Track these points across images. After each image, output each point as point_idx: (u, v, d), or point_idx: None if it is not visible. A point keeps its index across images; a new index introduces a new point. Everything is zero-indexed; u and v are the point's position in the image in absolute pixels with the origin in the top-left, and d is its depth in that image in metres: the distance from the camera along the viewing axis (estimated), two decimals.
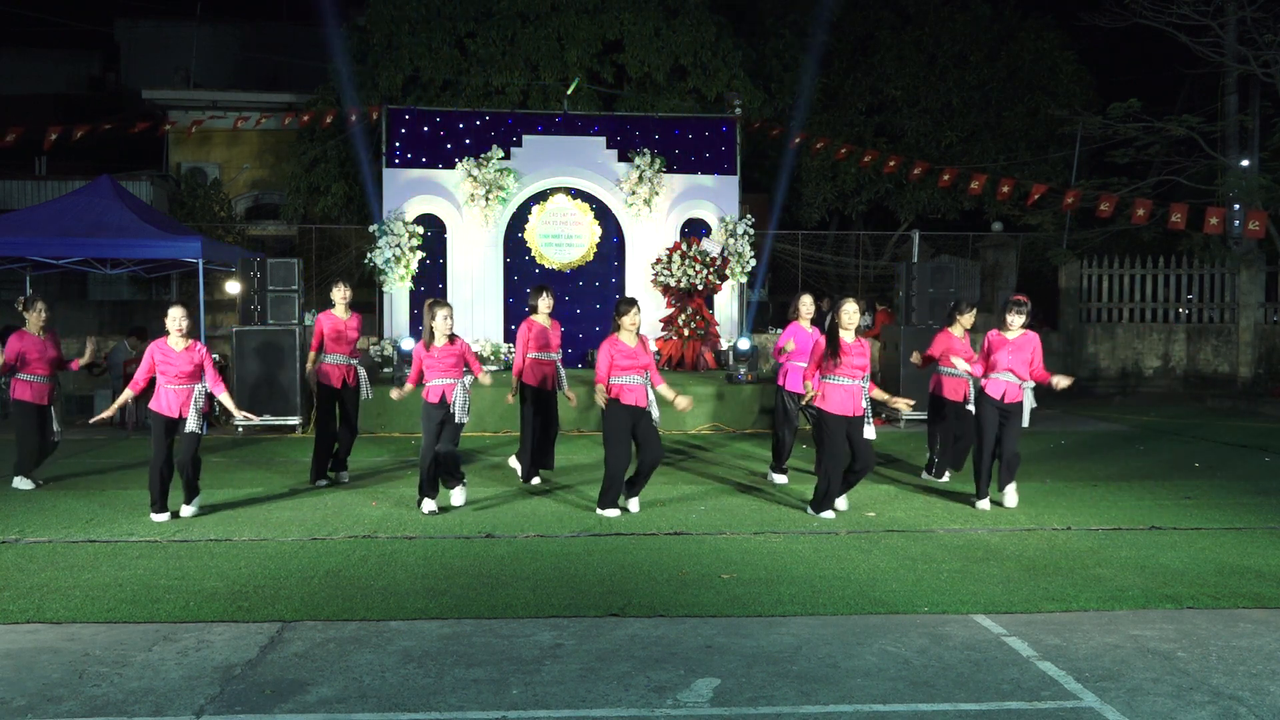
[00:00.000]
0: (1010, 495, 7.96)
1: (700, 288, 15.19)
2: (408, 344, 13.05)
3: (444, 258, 15.51)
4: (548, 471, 9.19)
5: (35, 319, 8.65)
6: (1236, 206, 16.77)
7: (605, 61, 18.31)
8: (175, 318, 7.41)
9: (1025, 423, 7.82)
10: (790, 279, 19.18)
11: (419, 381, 7.66)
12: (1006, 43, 20.16)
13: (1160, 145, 17.62)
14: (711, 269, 15.21)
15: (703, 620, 5.15)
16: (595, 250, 15.83)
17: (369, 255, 15.08)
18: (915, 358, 9.04)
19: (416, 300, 15.07)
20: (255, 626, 5.03)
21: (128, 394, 7.61)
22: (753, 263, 15.74)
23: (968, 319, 8.85)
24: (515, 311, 15.60)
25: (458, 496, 7.83)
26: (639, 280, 15.68)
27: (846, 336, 7.46)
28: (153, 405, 7.41)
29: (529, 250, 15.77)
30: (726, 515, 7.58)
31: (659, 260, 15.37)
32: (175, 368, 7.36)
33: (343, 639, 4.86)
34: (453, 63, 17.88)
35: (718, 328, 15.45)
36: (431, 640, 4.84)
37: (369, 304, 16.77)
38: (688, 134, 15.95)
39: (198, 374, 7.46)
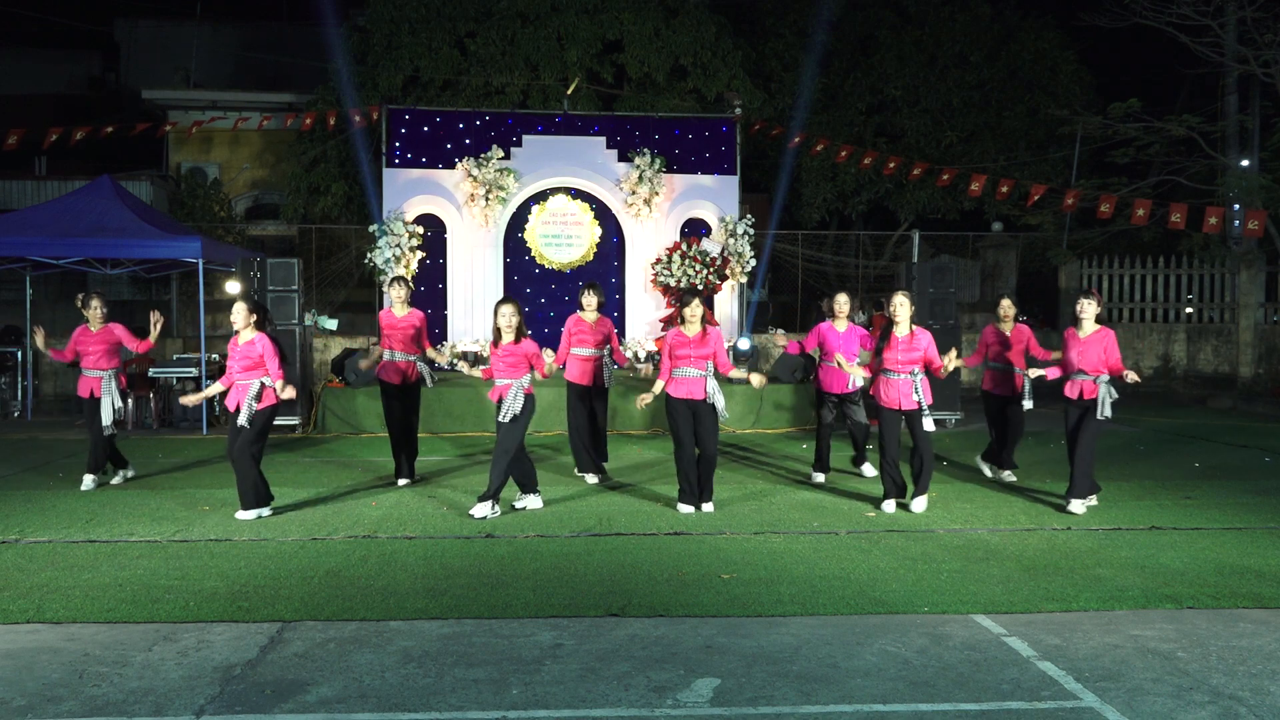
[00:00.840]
0: (1077, 504, 7.68)
1: (700, 288, 15.19)
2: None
3: (444, 258, 15.51)
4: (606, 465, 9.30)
5: (93, 315, 8.79)
6: (1236, 206, 16.77)
7: (605, 61, 18.31)
8: (236, 311, 7.50)
9: (1107, 413, 7.62)
10: (790, 279, 19.19)
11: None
12: (1006, 43, 20.16)
13: (1160, 145, 17.62)
14: (711, 269, 15.22)
15: (703, 620, 5.15)
16: (595, 250, 15.84)
17: (369, 255, 15.08)
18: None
19: (416, 300, 15.05)
20: (255, 626, 5.03)
21: (218, 387, 7.68)
22: (753, 263, 15.75)
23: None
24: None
25: (522, 502, 7.78)
26: (639, 280, 15.69)
27: (898, 330, 7.54)
28: (227, 400, 7.54)
29: (529, 250, 15.77)
30: (726, 515, 7.58)
31: (659, 260, 15.37)
32: (239, 360, 7.44)
33: (343, 639, 4.86)
34: (453, 63, 17.88)
35: (718, 328, 15.44)
36: (431, 640, 4.84)
37: (369, 304, 16.79)
38: (688, 134, 15.95)
39: (258, 366, 7.47)
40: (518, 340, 7.52)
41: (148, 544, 6.68)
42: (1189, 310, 18.39)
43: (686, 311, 7.60)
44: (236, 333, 7.57)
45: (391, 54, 17.92)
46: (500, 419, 7.46)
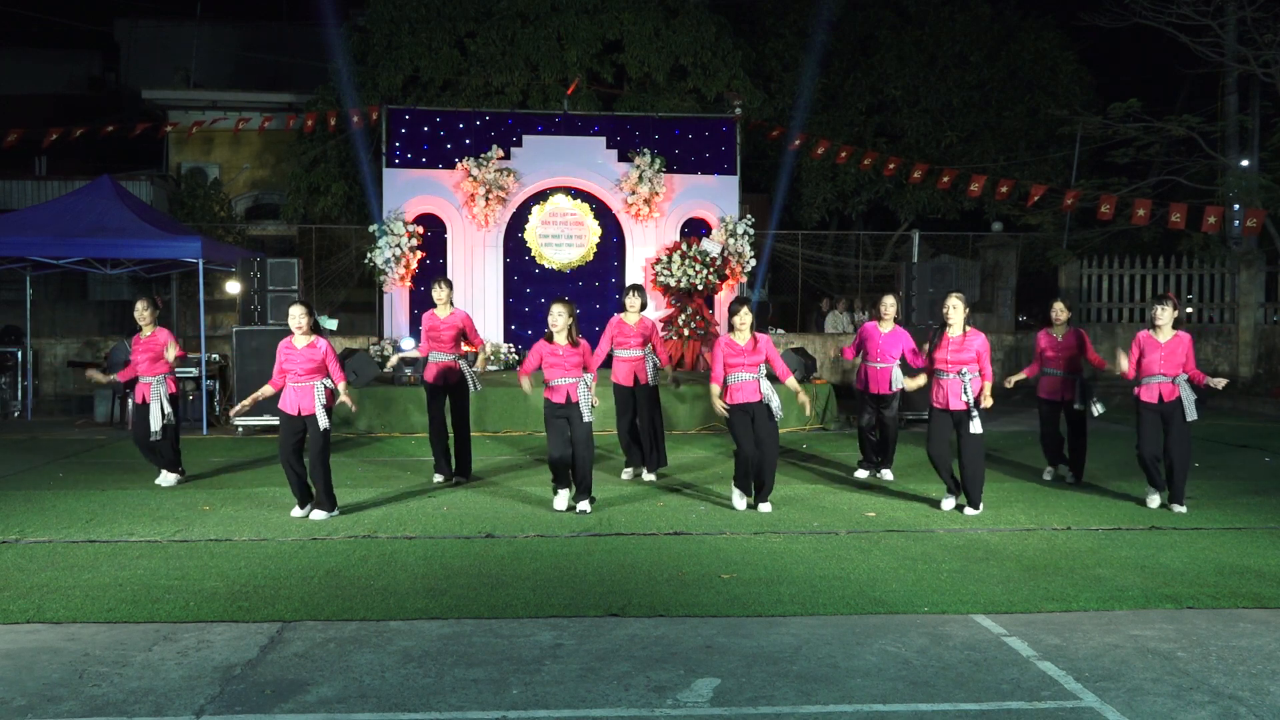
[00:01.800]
0: (1178, 506, 7.75)
1: (700, 288, 15.19)
2: (407, 344, 13.05)
3: (444, 258, 15.51)
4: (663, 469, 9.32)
5: (143, 319, 8.78)
6: (1236, 207, 16.77)
7: (605, 61, 18.31)
8: (296, 315, 7.45)
9: (1192, 415, 7.64)
10: (790, 279, 19.19)
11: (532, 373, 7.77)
12: (1006, 43, 20.16)
13: (1160, 145, 17.62)
14: (711, 269, 15.21)
15: (703, 620, 5.15)
16: (595, 250, 15.84)
17: (369, 255, 15.08)
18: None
19: (416, 300, 15.08)
20: (255, 626, 5.03)
21: (269, 390, 7.62)
22: (753, 263, 15.75)
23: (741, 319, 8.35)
24: (515, 311, 15.62)
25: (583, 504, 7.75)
26: (639, 280, 15.68)
27: (951, 331, 7.57)
28: (281, 404, 7.48)
29: (529, 250, 15.77)
30: (726, 515, 7.58)
31: (659, 260, 15.37)
32: (298, 365, 7.40)
33: (343, 639, 4.86)
34: (453, 63, 17.88)
35: (718, 328, 15.45)
36: (431, 640, 4.84)
37: (369, 304, 16.79)
38: (688, 134, 15.95)
39: (320, 370, 7.46)
40: (575, 343, 7.61)
41: (148, 544, 6.68)
42: (1189, 310, 18.38)
43: (736, 320, 7.66)
44: (289, 334, 7.55)
45: (391, 54, 17.92)
46: (586, 419, 7.52)
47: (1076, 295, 18.05)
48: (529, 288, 15.69)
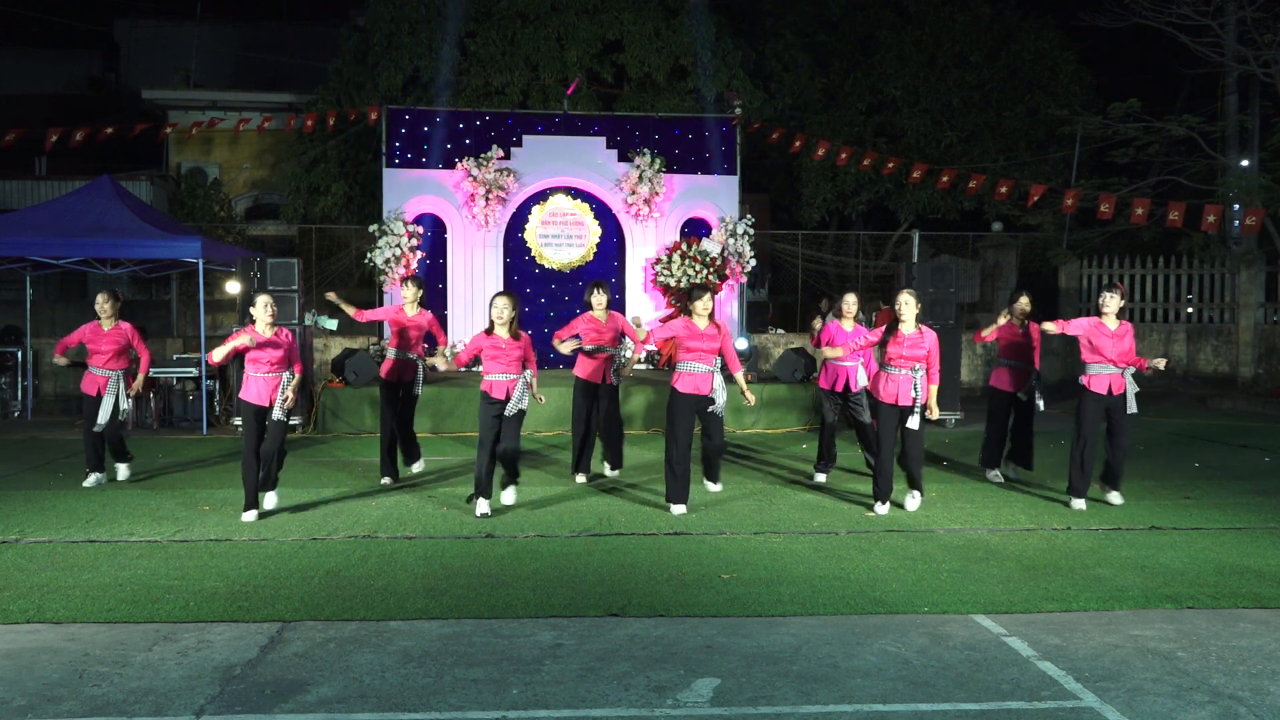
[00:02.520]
0: (1116, 495, 7.97)
1: None
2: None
3: (444, 258, 15.51)
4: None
5: (103, 311, 8.83)
6: (1236, 207, 16.77)
7: (605, 61, 18.31)
8: (266, 304, 7.42)
9: (1133, 408, 7.78)
10: (790, 279, 19.19)
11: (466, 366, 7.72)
12: (1006, 43, 20.16)
13: (1160, 145, 17.62)
14: (711, 269, 15.21)
15: (703, 620, 5.15)
16: (595, 250, 15.84)
17: (369, 255, 15.07)
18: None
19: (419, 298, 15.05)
20: (255, 626, 5.03)
21: (226, 351, 7.59)
22: (753, 262, 15.75)
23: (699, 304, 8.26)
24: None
25: (508, 495, 7.77)
26: (639, 280, 15.69)
27: (904, 328, 7.59)
28: (243, 394, 7.46)
29: (529, 250, 15.77)
30: (726, 515, 7.58)
31: (659, 260, 15.37)
32: (266, 354, 7.39)
33: (343, 639, 4.86)
34: (453, 63, 17.88)
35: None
36: (431, 640, 4.84)
37: (369, 304, 16.78)
38: (688, 134, 15.95)
39: (285, 362, 7.48)
40: (515, 336, 7.52)
41: (148, 544, 6.68)
42: (1189, 310, 18.38)
43: (698, 305, 7.65)
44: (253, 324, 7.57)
45: (391, 54, 17.92)
46: (508, 413, 7.45)
47: (1076, 295, 18.05)
48: (529, 288, 15.69)
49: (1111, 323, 7.85)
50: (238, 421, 11.93)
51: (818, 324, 9.40)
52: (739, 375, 7.85)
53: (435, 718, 3.99)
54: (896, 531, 7.08)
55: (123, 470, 8.96)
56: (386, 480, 8.87)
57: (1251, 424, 13.41)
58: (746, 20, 21.04)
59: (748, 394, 7.82)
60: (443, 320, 15.25)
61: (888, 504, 7.72)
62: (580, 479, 8.97)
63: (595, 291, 8.99)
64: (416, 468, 9.18)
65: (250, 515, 7.41)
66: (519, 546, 6.62)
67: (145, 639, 4.86)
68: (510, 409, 7.44)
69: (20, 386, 14.11)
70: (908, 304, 7.58)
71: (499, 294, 7.57)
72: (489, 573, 5.98)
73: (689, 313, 7.75)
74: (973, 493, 8.51)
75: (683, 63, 18.30)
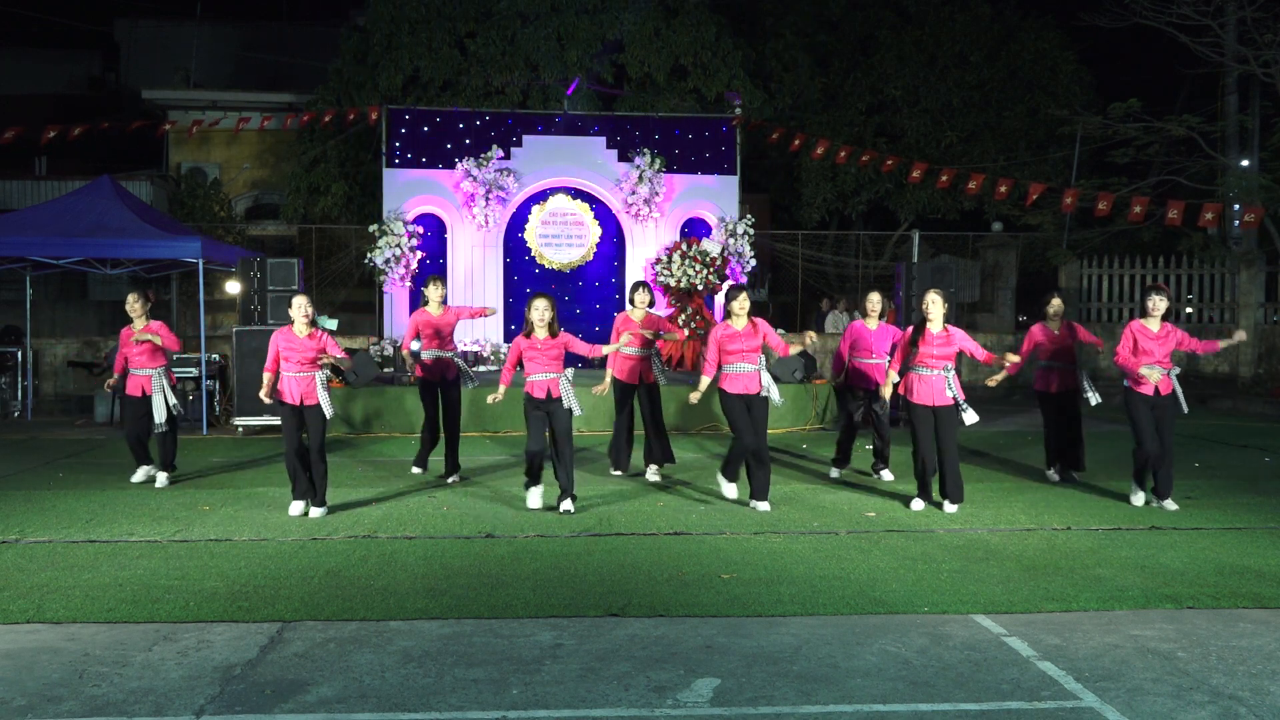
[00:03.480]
0: (1171, 502, 7.87)
1: (700, 288, 15.19)
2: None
3: (444, 258, 15.52)
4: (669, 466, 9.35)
5: (135, 312, 8.80)
6: (1236, 206, 16.77)
7: (605, 61, 18.31)
8: (302, 305, 7.50)
9: (1185, 408, 7.82)
10: (790, 279, 19.19)
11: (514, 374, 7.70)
12: (1006, 43, 20.17)
13: (1160, 145, 17.63)
14: (711, 269, 15.22)
15: (703, 620, 5.15)
16: (595, 250, 15.84)
17: (369, 255, 15.08)
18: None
19: (416, 300, 15.08)
20: (255, 626, 5.03)
21: (268, 379, 7.60)
22: (753, 262, 15.75)
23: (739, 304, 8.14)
24: (515, 311, 15.62)
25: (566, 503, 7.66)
26: (640, 279, 15.66)
27: (932, 327, 7.59)
28: (279, 392, 7.50)
29: (529, 250, 15.78)
30: (726, 515, 7.58)
31: (659, 260, 15.37)
32: (299, 354, 7.45)
33: (343, 639, 4.86)
34: (453, 63, 17.89)
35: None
36: (431, 640, 4.84)
37: (369, 304, 16.79)
38: (688, 134, 15.96)
39: (317, 361, 7.54)
40: (554, 334, 7.57)
41: (148, 544, 6.68)
42: (1189, 310, 18.38)
43: (735, 305, 7.69)
44: (287, 325, 7.68)
45: (391, 54, 17.93)
46: (573, 411, 7.51)
47: (1076, 295, 18.05)
48: (529, 288, 15.68)
49: (1155, 324, 7.82)
50: (238, 422, 11.95)
51: (829, 322, 9.41)
52: (793, 350, 7.98)
53: (435, 718, 3.99)
54: (896, 531, 7.08)
55: (162, 478, 8.81)
56: (416, 470, 9.02)
57: (1251, 424, 13.41)
58: (746, 20, 21.04)
59: (807, 337, 8.14)
60: None
61: (923, 503, 7.76)
62: (616, 473, 9.08)
63: (639, 291, 9.02)
64: (451, 480, 8.93)
65: (297, 508, 7.47)
66: (519, 546, 6.62)
67: (145, 639, 4.86)
68: (571, 406, 7.49)
69: (20, 386, 14.12)
70: (935, 303, 7.58)
71: (539, 295, 7.64)
72: (489, 573, 5.98)
73: (727, 314, 7.79)
74: (973, 493, 8.50)
75: (683, 63, 18.30)
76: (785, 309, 19.88)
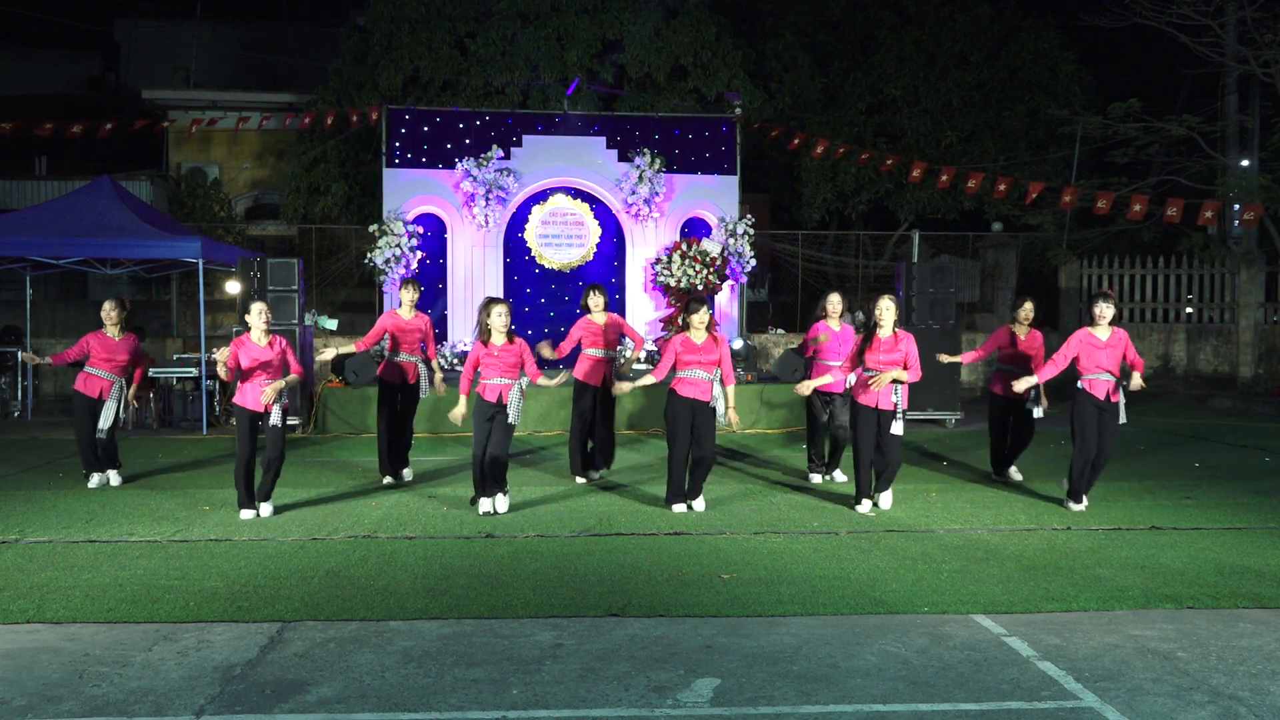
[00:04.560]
0: (1085, 503, 7.88)
1: (700, 288, 15.19)
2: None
3: (444, 258, 15.52)
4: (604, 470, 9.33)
5: (109, 320, 8.82)
6: (1236, 206, 16.77)
7: (605, 61, 18.31)
8: (261, 312, 7.50)
9: (1124, 418, 7.78)
10: (790, 279, 19.19)
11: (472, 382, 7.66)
12: (1006, 43, 20.16)
13: (1160, 145, 17.62)
14: (711, 269, 15.21)
15: (703, 620, 5.15)
16: (595, 250, 15.83)
17: (369, 255, 15.08)
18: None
19: (416, 300, 15.05)
20: (255, 626, 5.03)
21: (225, 372, 7.56)
22: (753, 263, 15.75)
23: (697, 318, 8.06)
24: (515, 312, 15.60)
25: (500, 503, 7.70)
26: (639, 280, 15.69)
27: (881, 332, 7.59)
28: (238, 400, 7.48)
29: (529, 250, 15.77)
30: (726, 515, 7.58)
31: (659, 260, 15.37)
32: (260, 361, 7.43)
33: (343, 639, 4.86)
34: (453, 63, 17.89)
35: (719, 328, 15.45)
36: (431, 640, 4.84)
37: (369, 304, 16.79)
38: (688, 134, 15.95)
39: (279, 370, 7.54)
40: (511, 340, 7.55)
41: (148, 544, 6.68)
42: (1189, 310, 18.38)
43: (695, 319, 7.63)
44: (244, 333, 7.66)
45: (391, 54, 17.93)
46: (511, 421, 7.45)
47: (1076, 295, 18.05)
48: (529, 288, 15.70)
49: (1103, 333, 7.74)
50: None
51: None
52: (730, 390, 7.74)
53: (435, 718, 3.99)
54: (896, 531, 7.08)
55: (114, 476, 8.88)
56: (387, 480, 8.91)
57: (1251, 424, 13.41)
58: (746, 20, 21.03)
59: (732, 416, 7.69)
60: (442, 321, 15.26)
61: (867, 502, 7.75)
62: (580, 480, 8.98)
63: (592, 294, 9.04)
64: (406, 474, 9.02)
65: (249, 514, 7.45)
66: (519, 546, 6.62)
67: (145, 639, 4.86)
68: (512, 416, 7.44)
69: (20, 386, 14.12)
70: (887, 309, 7.60)
71: (494, 301, 7.58)
72: (489, 573, 5.98)
73: (686, 326, 7.74)
74: (973, 493, 8.51)
75: (683, 63, 18.30)
76: (785, 309, 19.87)
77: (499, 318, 7.46)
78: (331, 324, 14.51)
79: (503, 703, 4.12)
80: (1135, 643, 4.83)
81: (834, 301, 8.89)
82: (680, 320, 7.85)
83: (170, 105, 20.53)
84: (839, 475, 9.08)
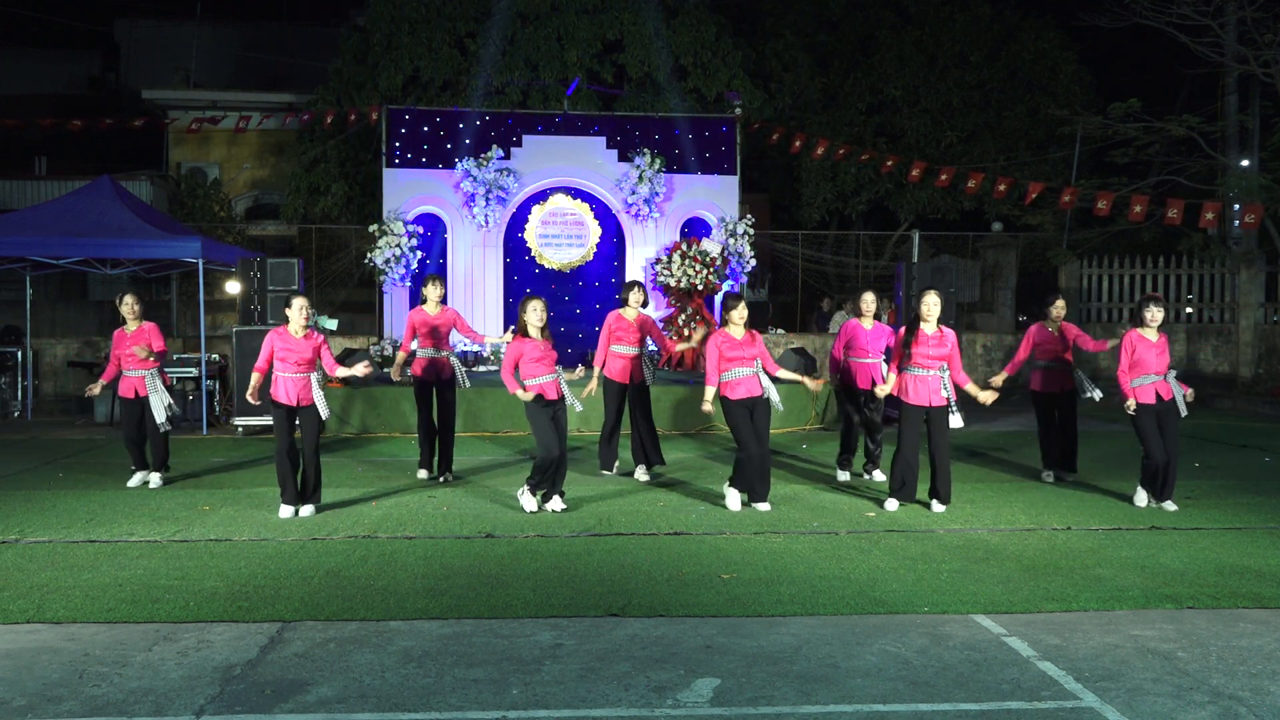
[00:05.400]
0: (1171, 503, 7.85)
1: (700, 288, 15.19)
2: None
3: (444, 258, 15.52)
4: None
5: (129, 314, 8.78)
6: (1236, 206, 16.77)
7: (605, 61, 18.31)
8: (302, 307, 7.50)
9: (1185, 410, 7.82)
10: (790, 279, 19.19)
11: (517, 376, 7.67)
12: (1006, 43, 20.17)
13: (1160, 145, 17.62)
14: (711, 269, 15.22)
15: (703, 620, 5.15)
16: (595, 250, 15.84)
17: (369, 255, 15.08)
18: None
19: (416, 300, 15.08)
20: (255, 626, 5.03)
21: (256, 378, 7.62)
22: (753, 262, 15.75)
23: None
24: (515, 311, 15.59)
25: (557, 503, 7.71)
26: (639, 279, 15.68)
27: (926, 328, 7.59)
28: (273, 393, 7.49)
29: (529, 250, 15.78)
30: (726, 515, 7.58)
31: (659, 260, 15.37)
32: (295, 355, 7.45)
33: (343, 639, 4.86)
34: (453, 63, 17.89)
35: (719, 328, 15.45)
36: (431, 640, 4.84)
37: (369, 304, 16.79)
38: (688, 134, 15.96)
39: (313, 362, 7.55)
40: (544, 336, 7.65)
41: (148, 544, 6.68)
42: (1189, 310, 18.38)
43: (734, 315, 7.69)
44: (282, 325, 7.70)
45: (391, 54, 17.93)
46: (579, 409, 7.70)
47: (1076, 295, 18.05)
48: (529, 288, 15.69)
49: (1153, 334, 7.83)
50: (238, 422, 11.95)
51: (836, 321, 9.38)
52: (780, 374, 7.88)
53: (435, 718, 3.99)
54: (896, 531, 7.08)
55: (155, 479, 8.79)
56: (422, 474, 8.98)
57: (1251, 424, 13.41)
58: (746, 20, 21.04)
59: (810, 383, 8.02)
60: None
61: (897, 502, 7.75)
62: (606, 474, 9.06)
63: (633, 290, 9.03)
64: (444, 479, 8.95)
65: (287, 512, 7.46)
66: (519, 546, 6.62)
67: (145, 639, 4.86)
68: (577, 406, 7.65)
69: (20, 386, 14.12)
70: (935, 305, 7.60)
71: (533, 297, 7.65)
72: (489, 573, 5.98)
73: (725, 323, 7.79)
74: (973, 492, 8.51)
75: (683, 63, 18.30)
76: (785, 309, 19.88)
77: (533, 313, 7.55)
78: (332, 324, 14.51)
79: (503, 703, 4.12)
80: (1135, 643, 4.83)
81: (868, 300, 8.95)
82: (720, 318, 7.87)
83: (170, 105, 20.54)
84: (879, 475, 9.07)
